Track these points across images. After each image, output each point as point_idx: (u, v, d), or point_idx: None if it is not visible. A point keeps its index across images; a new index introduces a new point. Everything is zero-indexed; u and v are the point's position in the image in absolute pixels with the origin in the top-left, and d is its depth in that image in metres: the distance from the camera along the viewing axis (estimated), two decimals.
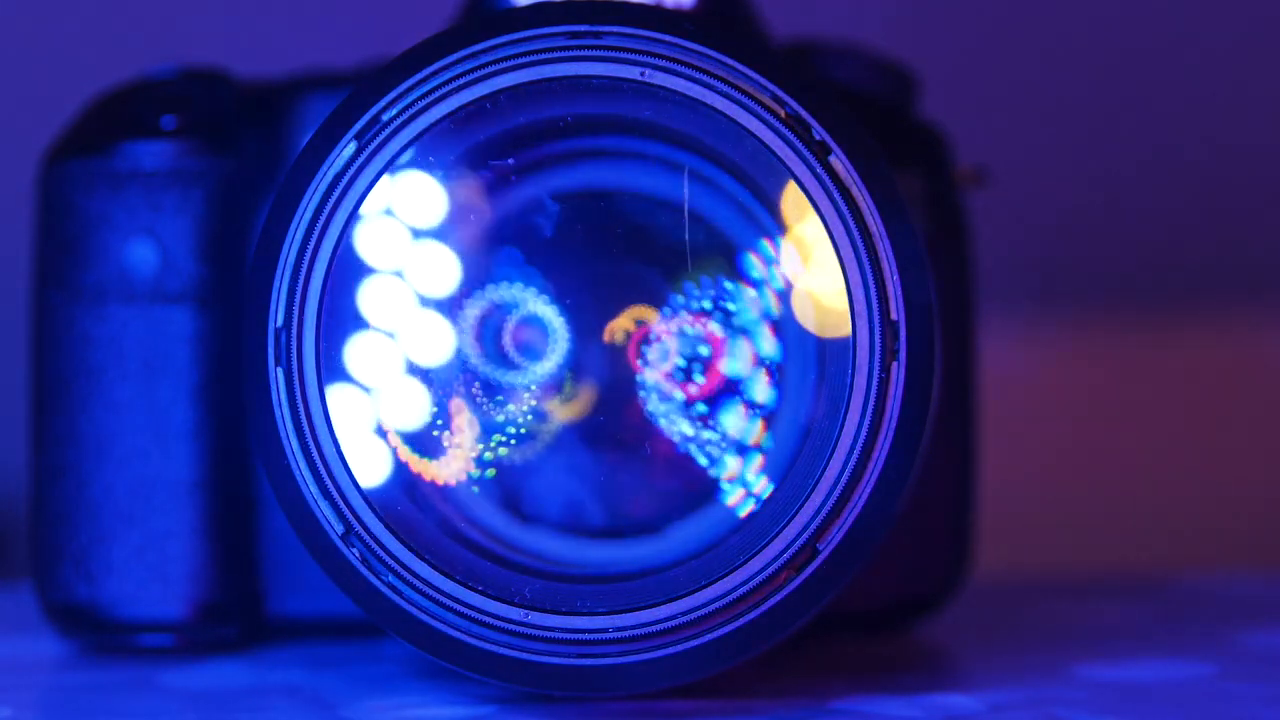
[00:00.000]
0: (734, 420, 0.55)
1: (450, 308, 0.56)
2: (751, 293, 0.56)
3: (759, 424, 0.56)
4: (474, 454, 0.56)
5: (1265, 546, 1.14)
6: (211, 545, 0.62)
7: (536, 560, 0.56)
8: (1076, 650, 0.64)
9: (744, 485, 0.55)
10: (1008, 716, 0.55)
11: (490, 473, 0.56)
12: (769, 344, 0.56)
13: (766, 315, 0.56)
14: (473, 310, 0.56)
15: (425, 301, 0.56)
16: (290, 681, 0.60)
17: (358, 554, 0.53)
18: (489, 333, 0.56)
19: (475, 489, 0.56)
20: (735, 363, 0.56)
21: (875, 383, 0.52)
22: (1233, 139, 1.26)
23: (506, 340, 0.56)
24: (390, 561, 0.53)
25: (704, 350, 0.56)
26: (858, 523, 0.52)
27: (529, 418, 0.56)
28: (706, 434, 0.55)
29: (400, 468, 0.55)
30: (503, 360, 0.56)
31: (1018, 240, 1.19)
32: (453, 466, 0.56)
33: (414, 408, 0.55)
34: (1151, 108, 1.26)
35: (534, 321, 0.56)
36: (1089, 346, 1.20)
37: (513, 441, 0.56)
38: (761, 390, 0.55)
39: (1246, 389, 1.19)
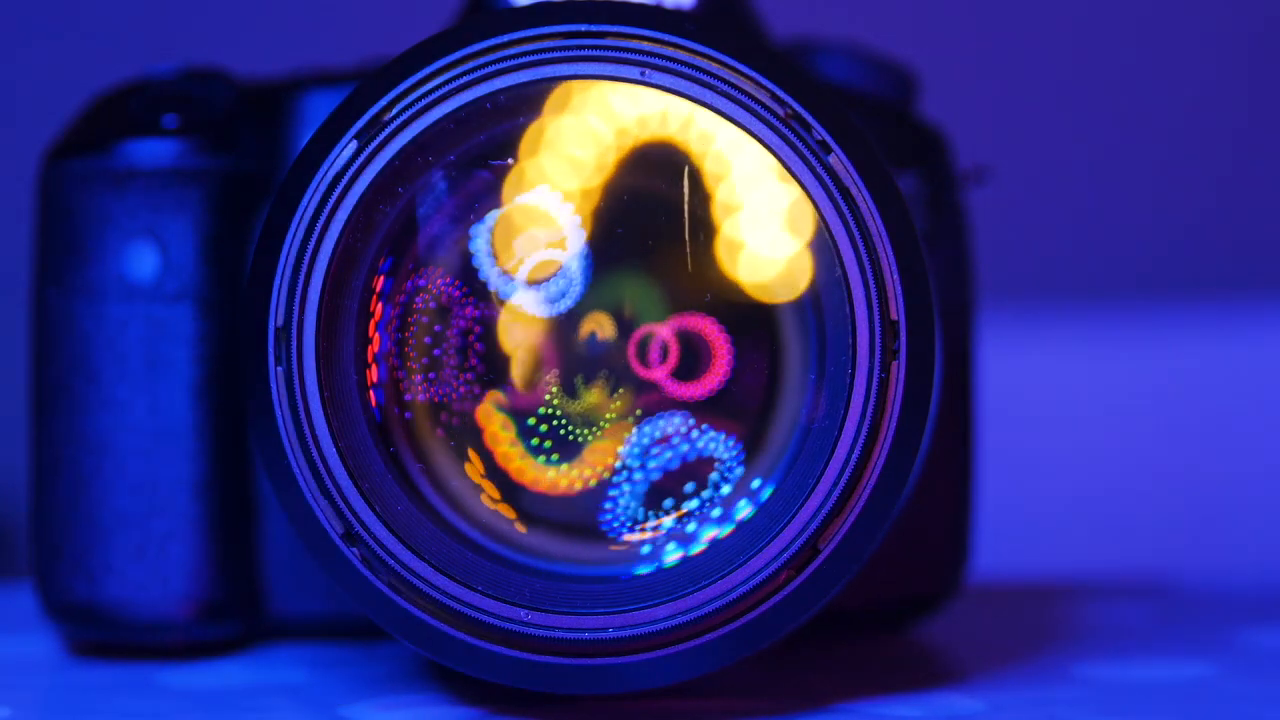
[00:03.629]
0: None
1: None
2: None
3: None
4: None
5: (1265, 546, 1.14)
6: (211, 545, 0.62)
7: (537, 560, 0.55)
8: (1076, 650, 0.64)
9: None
10: (1008, 716, 0.55)
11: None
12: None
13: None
14: None
15: None
16: (290, 681, 0.60)
17: (358, 554, 0.53)
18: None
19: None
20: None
21: (875, 383, 0.52)
22: (1234, 137, 1.26)
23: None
24: (390, 561, 0.53)
25: (701, 348, 0.56)
26: (858, 523, 0.52)
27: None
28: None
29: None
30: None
31: (1018, 239, 1.19)
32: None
33: None
34: (1151, 106, 1.26)
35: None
36: (1089, 346, 1.20)
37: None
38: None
39: (1247, 389, 1.19)
